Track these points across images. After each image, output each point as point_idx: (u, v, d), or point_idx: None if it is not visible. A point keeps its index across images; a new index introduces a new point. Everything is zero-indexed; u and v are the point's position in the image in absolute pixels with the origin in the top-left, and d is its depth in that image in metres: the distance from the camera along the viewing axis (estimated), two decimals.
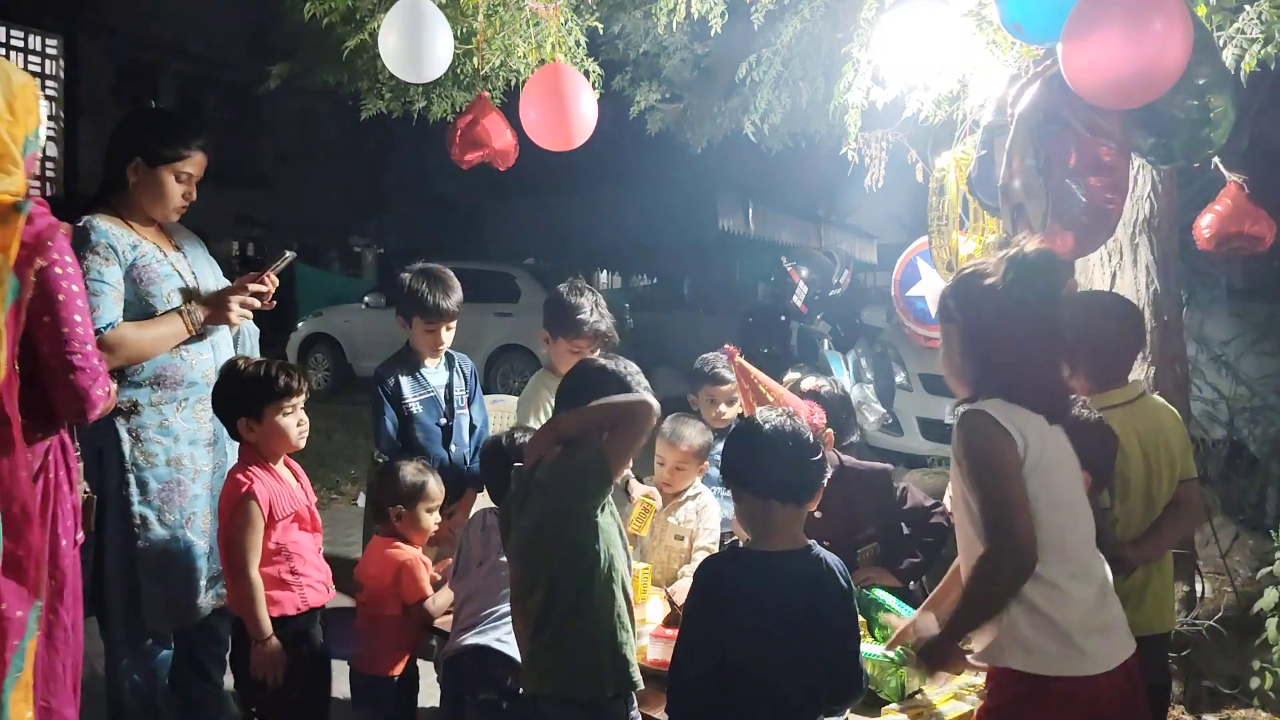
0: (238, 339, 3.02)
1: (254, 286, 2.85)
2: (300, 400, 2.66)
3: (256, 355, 3.07)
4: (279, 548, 2.61)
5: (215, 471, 2.84)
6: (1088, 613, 1.84)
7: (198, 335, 2.79)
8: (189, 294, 2.80)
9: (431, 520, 2.86)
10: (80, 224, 2.66)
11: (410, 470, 2.85)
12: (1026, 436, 1.83)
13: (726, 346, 2.90)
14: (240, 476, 2.57)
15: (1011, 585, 1.80)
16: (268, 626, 2.52)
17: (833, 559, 1.98)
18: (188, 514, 2.76)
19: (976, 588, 1.84)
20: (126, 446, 2.68)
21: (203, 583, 2.80)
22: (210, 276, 2.95)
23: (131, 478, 2.69)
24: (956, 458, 1.90)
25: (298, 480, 2.74)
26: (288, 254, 3.01)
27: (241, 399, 2.61)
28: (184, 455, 2.76)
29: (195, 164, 2.80)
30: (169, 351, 2.73)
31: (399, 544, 2.81)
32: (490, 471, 2.67)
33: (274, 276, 2.91)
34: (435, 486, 2.86)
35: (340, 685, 2.85)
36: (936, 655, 1.93)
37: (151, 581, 2.70)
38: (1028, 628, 1.81)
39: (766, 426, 2.01)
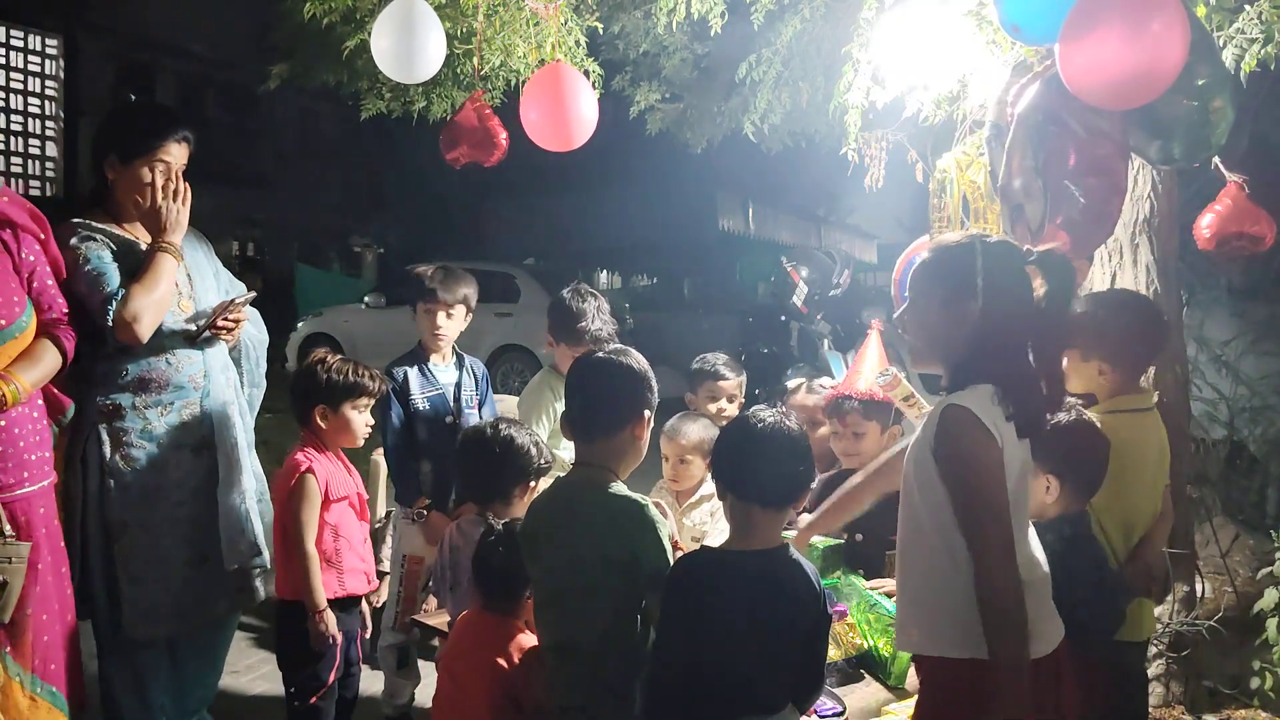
0: (239, 351, 2.95)
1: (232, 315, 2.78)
2: (372, 402, 2.86)
3: (264, 364, 3.05)
4: (329, 526, 2.72)
5: (209, 477, 2.76)
6: (1033, 600, 1.80)
7: (187, 340, 2.73)
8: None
9: None
10: (72, 222, 2.64)
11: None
12: (1003, 439, 1.78)
13: (873, 320, 2.78)
14: (299, 456, 2.73)
15: (1018, 593, 1.73)
16: (323, 598, 2.64)
17: (806, 563, 1.96)
18: (170, 519, 2.69)
19: (1000, 619, 1.73)
20: (107, 449, 2.62)
21: (183, 589, 2.71)
22: (209, 276, 2.89)
23: (111, 481, 2.63)
24: (931, 451, 1.81)
25: (349, 473, 2.86)
26: (250, 293, 2.92)
27: (322, 389, 2.78)
28: (169, 460, 2.69)
29: (172, 155, 2.69)
30: (154, 355, 2.67)
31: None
32: (473, 463, 2.59)
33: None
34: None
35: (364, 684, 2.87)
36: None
37: (130, 585, 2.64)
38: (971, 613, 1.75)
39: (756, 429, 1.97)
